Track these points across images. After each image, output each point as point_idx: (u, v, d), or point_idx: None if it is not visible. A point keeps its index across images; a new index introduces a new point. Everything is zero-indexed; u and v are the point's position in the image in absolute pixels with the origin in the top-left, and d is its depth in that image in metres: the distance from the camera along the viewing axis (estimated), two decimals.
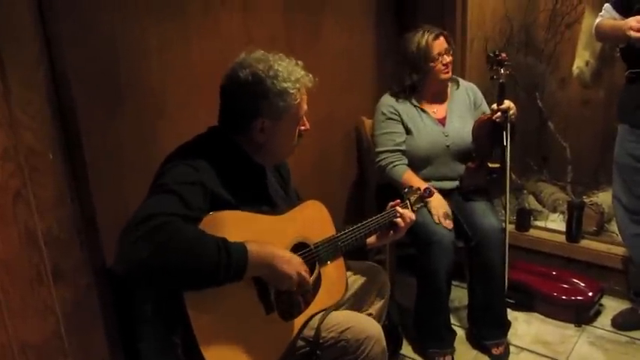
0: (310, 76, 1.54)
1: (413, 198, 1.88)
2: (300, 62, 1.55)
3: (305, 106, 1.56)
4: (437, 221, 2.17)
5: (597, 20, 2.26)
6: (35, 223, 1.19)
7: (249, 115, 1.48)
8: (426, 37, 2.28)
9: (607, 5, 2.25)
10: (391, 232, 1.80)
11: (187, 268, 1.24)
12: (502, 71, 2.21)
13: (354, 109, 2.63)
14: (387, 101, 2.41)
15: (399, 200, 1.83)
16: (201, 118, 1.63)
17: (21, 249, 1.15)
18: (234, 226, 1.38)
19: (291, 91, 1.47)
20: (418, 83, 2.36)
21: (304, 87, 1.53)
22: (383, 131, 2.37)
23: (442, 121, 2.39)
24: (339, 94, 2.54)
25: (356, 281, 1.81)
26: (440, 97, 2.43)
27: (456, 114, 2.40)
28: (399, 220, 1.77)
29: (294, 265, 1.42)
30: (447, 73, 2.33)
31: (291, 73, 1.48)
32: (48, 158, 1.26)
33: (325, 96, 1.58)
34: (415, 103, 2.39)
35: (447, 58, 2.30)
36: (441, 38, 2.30)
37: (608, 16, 2.22)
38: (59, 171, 1.31)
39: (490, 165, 2.29)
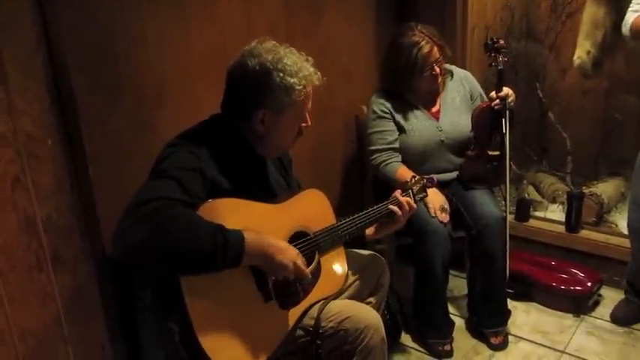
0: (319, 74, 1.53)
1: (416, 188, 1.86)
2: (310, 59, 1.53)
3: (309, 104, 1.55)
4: (432, 214, 2.16)
5: (632, 17, 2.11)
6: (34, 209, 1.19)
7: (252, 104, 1.48)
8: (416, 50, 2.17)
9: None
10: (391, 223, 1.78)
11: (183, 252, 1.23)
12: (500, 58, 2.19)
13: (354, 97, 2.62)
14: (379, 99, 2.35)
15: (400, 190, 1.81)
16: (201, 106, 1.62)
17: (20, 235, 1.15)
18: (233, 213, 1.38)
19: (297, 88, 1.47)
20: (406, 85, 2.29)
21: (311, 84, 1.51)
22: (374, 130, 2.34)
23: (436, 115, 2.36)
24: (339, 83, 2.52)
25: (356, 270, 1.81)
26: (433, 93, 2.38)
27: (450, 106, 2.37)
28: (395, 208, 1.74)
29: (290, 255, 1.41)
30: (435, 83, 2.28)
31: (299, 70, 1.47)
32: (47, 145, 1.26)
33: (325, 85, 1.57)
34: (407, 99, 2.34)
35: (437, 69, 2.23)
36: (434, 49, 2.20)
37: None
38: (58, 158, 1.31)
39: (490, 153, 2.27)
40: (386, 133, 2.33)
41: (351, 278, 1.78)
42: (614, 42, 2.83)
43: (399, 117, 2.33)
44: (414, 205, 1.79)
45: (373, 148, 2.34)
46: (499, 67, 2.19)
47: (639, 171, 2.26)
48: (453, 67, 2.45)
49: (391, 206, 1.74)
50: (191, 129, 1.50)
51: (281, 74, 1.44)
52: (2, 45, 1.12)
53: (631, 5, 2.15)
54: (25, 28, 1.23)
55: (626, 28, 2.15)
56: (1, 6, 1.12)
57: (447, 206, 2.21)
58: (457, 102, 2.39)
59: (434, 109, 2.37)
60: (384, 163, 2.31)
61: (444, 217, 2.17)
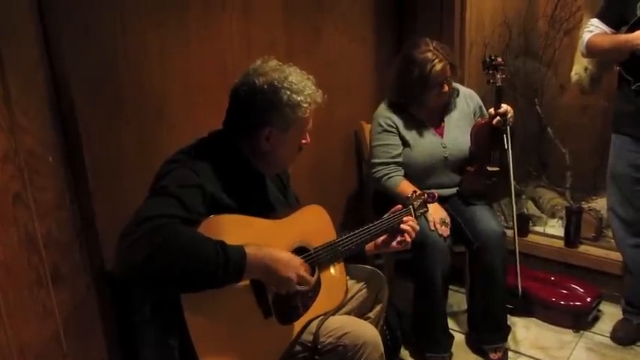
0: (320, 91, 1.55)
1: (417, 203, 1.86)
2: (311, 77, 1.56)
3: (311, 121, 1.57)
4: (432, 228, 2.16)
5: (587, 36, 2.24)
6: (35, 225, 1.19)
7: (259, 123, 1.49)
8: (430, 66, 2.17)
9: (594, 20, 2.24)
10: (393, 243, 1.77)
11: (185, 269, 1.24)
12: (498, 75, 2.21)
13: (353, 113, 2.63)
14: (385, 112, 2.36)
15: (400, 205, 1.82)
16: (201, 120, 1.63)
17: (20, 251, 1.15)
18: (234, 229, 1.38)
19: (304, 105, 1.49)
20: (414, 99, 2.31)
21: (314, 102, 1.54)
22: (379, 143, 2.35)
23: (440, 132, 2.37)
24: (338, 99, 2.54)
25: (355, 286, 1.81)
26: (439, 109, 2.39)
27: (455, 124, 2.38)
28: (406, 227, 1.75)
29: (294, 266, 1.42)
30: (442, 100, 2.31)
31: (304, 87, 1.50)
32: (48, 161, 1.27)
33: (325, 100, 1.59)
34: (413, 113, 2.35)
35: (446, 88, 2.25)
36: (447, 68, 2.21)
37: (598, 30, 2.21)
38: (59, 174, 1.31)
39: (489, 169, 2.29)
40: (390, 146, 2.33)
41: (351, 293, 1.78)
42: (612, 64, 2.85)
43: (404, 131, 2.34)
44: (417, 227, 1.79)
45: (376, 161, 2.35)
46: (497, 85, 2.21)
47: (613, 179, 2.31)
48: (458, 85, 2.47)
49: (401, 227, 1.75)
50: (191, 145, 1.51)
51: (288, 92, 1.47)
52: (5, 61, 1.13)
53: (586, 26, 2.28)
54: (27, 44, 1.24)
55: (582, 47, 2.29)
56: (3, 23, 1.13)
57: (447, 220, 2.21)
58: (461, 120, 2.40)
59: (439, 126, 2.38)
60: (386, 177, 2.31)
61: (444, 231, 2.17)
